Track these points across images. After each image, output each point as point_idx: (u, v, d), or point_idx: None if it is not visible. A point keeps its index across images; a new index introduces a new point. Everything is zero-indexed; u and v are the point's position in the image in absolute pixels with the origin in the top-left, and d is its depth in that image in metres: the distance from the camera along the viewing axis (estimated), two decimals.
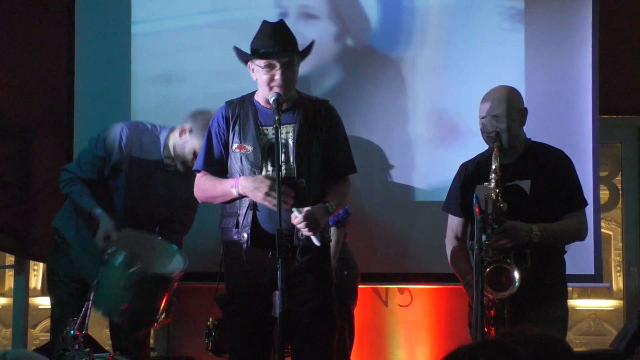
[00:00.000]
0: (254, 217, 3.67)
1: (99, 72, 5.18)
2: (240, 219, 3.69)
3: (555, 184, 3.94)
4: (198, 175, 3.81)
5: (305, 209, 3.57)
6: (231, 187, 3.68)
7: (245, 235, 3.67)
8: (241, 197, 3.67)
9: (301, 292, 3.65)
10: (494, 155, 3.85)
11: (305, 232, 3.57)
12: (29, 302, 5.92)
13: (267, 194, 3.57)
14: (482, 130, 3.97)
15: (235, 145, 3.73)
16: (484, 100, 4.01)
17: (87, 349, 3.74)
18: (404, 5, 5.11)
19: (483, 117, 3.97)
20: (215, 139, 3.78)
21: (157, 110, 5.14)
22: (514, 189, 3.94)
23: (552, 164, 3.97)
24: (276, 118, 3.55)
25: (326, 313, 3.72)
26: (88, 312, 3.77)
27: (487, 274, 3.76)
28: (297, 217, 3.55)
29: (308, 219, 3.56)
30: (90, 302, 3.81)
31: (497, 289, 3.77)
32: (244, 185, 3.63)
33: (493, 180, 3.83)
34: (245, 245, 3.67)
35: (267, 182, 3.58)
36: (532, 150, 3.99)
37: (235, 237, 3.70)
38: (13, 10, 5.53)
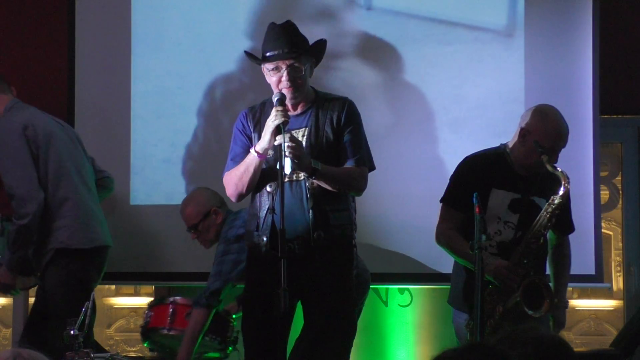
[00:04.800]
0: (272, 219, 3.66)
1: (99, 72, 5.17)
2: (261, 221, 3.70)
3: (563, 209, 3.97)
4: (224, 178, 3.81)
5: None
6: (250, 154, 3.67)
7: (265, 238, 3.67)
8: (262, 157, 3.65)
9: (320, 294, 3.65)
10: (564, 188, 3.86)
11: (285, 150, 3.53)
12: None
13: (274, 115, 3.58)
14: (543, 155, 3.89)
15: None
16: (564, 131, 3.97)
17: (87, 349, 3.75)
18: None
19: (553, 150, 3.93)
20: (240, 137, 3.79)
21: (157, 110, 5.14)
22: (532, 204, 3.97)
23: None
24: (281, 121, 3.55)
25: (343, 315, 3.72)
26: (88, 313, 3.77)
27: (522, 291, 3.81)
28: (288, 136, 3.55)
29: (295, 141, 3.56)
30: (91, 302, 3.82)
31: (529, 305, 3.82)
32: (259, 143, 3.65)
33: (557, 199, 3.86)
34: (264, 249, 3.67)
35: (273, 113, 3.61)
36: (548, 172, 3.98)
37: (256, 239, 3.71)
38: (13, 10, 5.53)
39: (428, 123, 5.06)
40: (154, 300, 4.21)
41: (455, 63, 5.03)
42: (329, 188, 3.69)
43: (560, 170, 3.88)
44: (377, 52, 5.07)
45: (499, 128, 4.91)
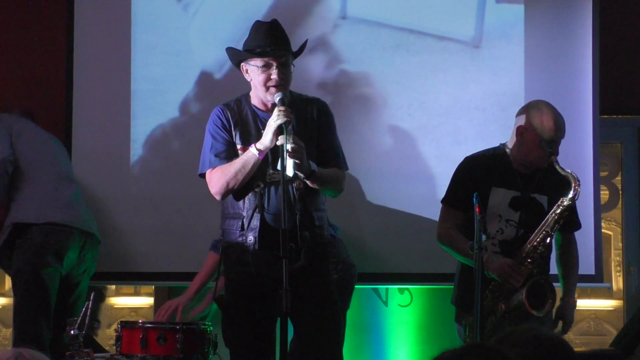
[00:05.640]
0: (262, 218, 3.66)
1: (98, 71, 5.16)
2: (245, 221, 3.67)
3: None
4: (207, 174, 3.75)
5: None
6: (249, 151, 3.62)
7: (252, 238, 3.65)
8: (262, 155, 3.61)
9: (303, 293, 3.65)
10: (574, 191, 3.87)
11: (288, 152, 3.50)
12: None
13: (277, 114, 3.55)
14: (546, 149, 3.93)
15: (238, 147, 3.72)
16: (561, 124, 3.98)
17: (87, 349, 3.75)
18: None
19: (554, 142, 3.95)
20: (220, 133, 3.75)
21: (157, 110, 5.13)
22: (533, 202, 3.98)
23: (567, 188, 3.97)
24: (284, 121, 3.54)
25: (329, 312, 3.73)
26: (88, 312, 3.77)
27: (526, 291, 3.82)
28: (291, 137, 3.52)
29: (298, 143, 3.54)
30: (91, 302, 3.82)
31: (532, 304, 3.83)
32: (261, 141, 3.61)
33: (567, 201, 3.86)
34: (251, 248, 3.66)
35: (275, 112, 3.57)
36: (548, 168, 3.99)
37: (240, 239, 3.69)
38: (12, 9, 5.53)
39: (427, 124, 5.07)
40: (124, 322, 4.11)
41: (421, 72, 5.05)
42: (317, 188, 3.70)
43: (570, 172, 3.89)
44: (349, 59, 5.08)
45: (461, 135, 5.00)
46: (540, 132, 3.93)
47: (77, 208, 4.62)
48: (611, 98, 5.35)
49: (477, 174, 4.04)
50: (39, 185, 4.54)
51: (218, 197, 3.75)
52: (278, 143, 3.55)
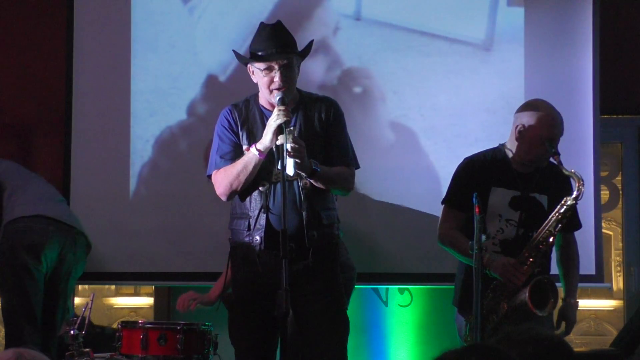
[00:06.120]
0: (267, 219, 3.66)
1: (98, 72, 5.17)
2: (252, 221, 3.68)
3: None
4: (213, 175, 3.77)
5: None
6: (250, 152, 3.64)
7: (258, 237, 3.66)
8: (263, 155, 3.62)
9: (311, 292, 3.65)
10: (578, 191, 3.88)
11: (287, 151, 3.51)
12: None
13: (277, 114, 3.56)
14: (549, 148, 3.93)
15: (244, 147, 3.72)
16: (558, 119, 4.00)
17: (87, 349, 3.76)
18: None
19: (553, 139, 3.95)
20: (227, 134, 3.76)
21: (157, 110, 5.14)
22: (533, 201, 3.98)
23: (567, 187, 3.98)
24: (284, 120, 3.55)
25: (336, 312, 3.73)
26: (88, 313, 3.78)
27: (529, 290, 3.82)
28: (291, 137, 3.53)
29: (298, 142, 3.54)
30: (91, 302, 3.83)
31: (536, 304, 3.83)
32: (261, 141, 3.62)
33: (570, 200, 3.86)
34: (258, 248, 3.66)
35: (275, 112, 3.58)
36: (547, 168, 4.00)
37: (247, 239, 3.69)
38: (12, 9, 5.53)
39: (426, 123, 5.07)
40: (125, 322, 4.10)
41: (433, 73, 5.06)
42: (322, 187, 3.70)
43: (574, 171, 3.89)
44: (362, 59, 5.09)
45: (472, 136, 5.00)
46: (539, 130, 3.95)
47: (64, 209, 4.65)
48: (611, 98, 5.35)
49: (476, 174, 4.05)
50: (27, 191, 4.59)
51: (224, 198, 3.77)
52: (278, 143, 3.56)
